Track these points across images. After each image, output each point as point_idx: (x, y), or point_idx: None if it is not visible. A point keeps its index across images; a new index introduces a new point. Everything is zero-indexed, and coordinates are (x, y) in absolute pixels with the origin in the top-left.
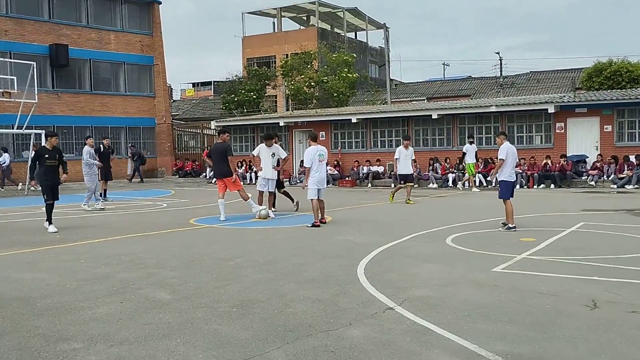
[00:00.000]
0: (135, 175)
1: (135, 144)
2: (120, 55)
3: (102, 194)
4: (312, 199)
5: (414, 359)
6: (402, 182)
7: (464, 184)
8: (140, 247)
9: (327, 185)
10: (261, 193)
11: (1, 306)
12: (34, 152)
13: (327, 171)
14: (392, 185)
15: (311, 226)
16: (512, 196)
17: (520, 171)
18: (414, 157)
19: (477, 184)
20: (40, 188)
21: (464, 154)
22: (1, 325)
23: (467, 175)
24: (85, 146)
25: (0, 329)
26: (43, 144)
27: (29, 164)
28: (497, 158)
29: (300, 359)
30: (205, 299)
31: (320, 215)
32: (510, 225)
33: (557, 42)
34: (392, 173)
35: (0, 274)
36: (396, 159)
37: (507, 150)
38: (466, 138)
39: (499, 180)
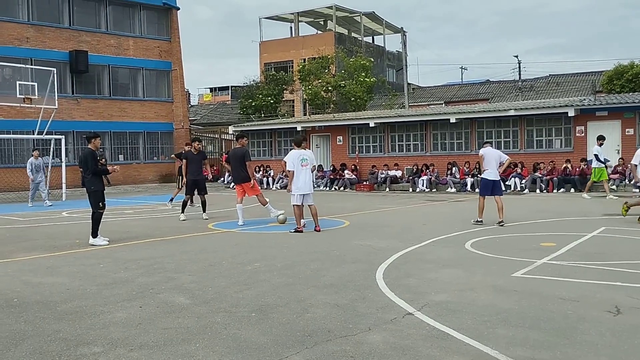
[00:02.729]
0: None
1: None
2: (139, 61)
3: (173, 199)
4: (294, 205)
5: None
6: None
7: (589, 190)
8: (159, 252)
9: (317, 189)
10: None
11: (22, 310)
12: (87, 156)
13: (313, 176)
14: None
15: (294, 232)
16: (489, 194)
17: (540, 175)
18: None
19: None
20: (96, 192)
21: (596, 155)
22: (22, 329)
23: (590, 181)
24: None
25: (21, 332)
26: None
27: (91, 169)
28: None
29: None
30: (224, 303)
31: (314, 221)
32: (478, 220)
33: (577, 44)
34: (634, 181)
35: (21, 278)
36: (635, 164)
37: (484, 152)
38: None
39: (481, 177)
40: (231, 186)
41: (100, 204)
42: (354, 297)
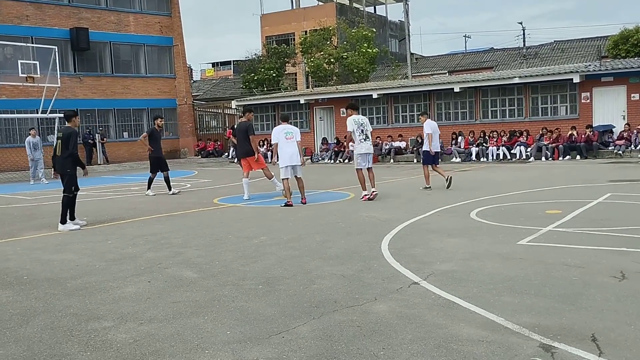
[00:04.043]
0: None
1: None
2: (140, 37)
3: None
4: (283, 179)
5: (440, 332)
6: None
7: None
8: (165, 227)
9: (300, 163)
10: (360, 170)
11: (33, 287)
12: (70, 136)
13: (299, 148)
14: None
15: (284, 206)
16: (433, 163)
17: (545, 143)
18: None
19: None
20: (72, 175)
21: None
22: (33, 305)
23: None
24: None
25: (32, 309)
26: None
27: (71, 150)
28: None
29: (326, 334)
30: (231, 276)
31: (300, 193)
32: (426, 186)
33: (583, 9)
34: None
35: (31, 256)
36: None
37: (430, 126)
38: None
39: (423, 150)
40: (235, 161)
41: (74, 187)
42: (359, 268)
